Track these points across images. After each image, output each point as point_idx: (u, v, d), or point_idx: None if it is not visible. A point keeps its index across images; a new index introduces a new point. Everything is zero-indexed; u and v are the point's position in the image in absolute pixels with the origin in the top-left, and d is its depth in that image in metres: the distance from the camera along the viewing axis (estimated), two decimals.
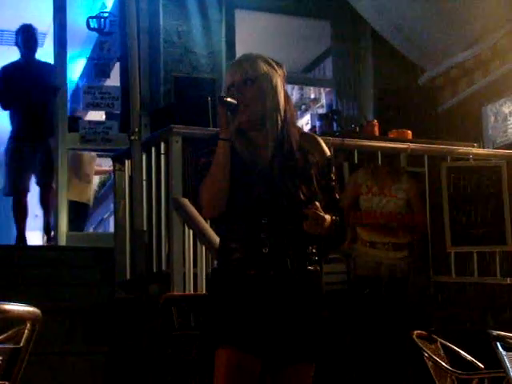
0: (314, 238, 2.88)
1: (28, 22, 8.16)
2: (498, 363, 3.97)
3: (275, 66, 2.97)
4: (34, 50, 8.12)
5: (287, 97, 3.01)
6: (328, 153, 3.01)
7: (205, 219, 4.45)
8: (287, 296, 2.86)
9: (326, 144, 3.07)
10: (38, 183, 7.98)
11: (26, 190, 7.87)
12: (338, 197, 3.00)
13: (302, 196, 2.86)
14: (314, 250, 2.93)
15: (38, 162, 7.82)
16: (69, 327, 5.54)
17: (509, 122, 7.85)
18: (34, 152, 7.81)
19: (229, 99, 2.86)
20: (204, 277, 4.74)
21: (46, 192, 7.97)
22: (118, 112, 8.15)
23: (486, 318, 5.73)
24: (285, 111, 2.95)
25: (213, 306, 2.95)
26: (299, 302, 2.88)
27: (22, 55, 8.13)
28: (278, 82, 2.94)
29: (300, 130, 3.08)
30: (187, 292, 4.95)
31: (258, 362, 2.85)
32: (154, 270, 5.49)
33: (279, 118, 2.91)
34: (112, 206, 8.47)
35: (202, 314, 3.21)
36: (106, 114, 8.94)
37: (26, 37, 8.06)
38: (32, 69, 8.02)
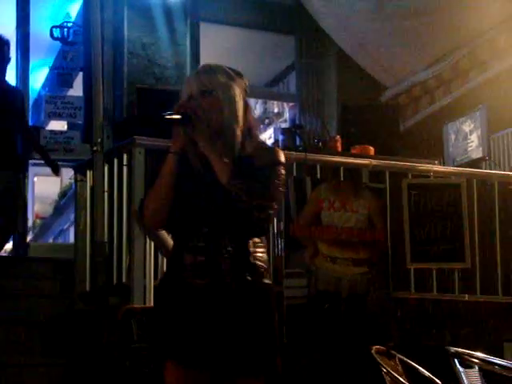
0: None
1: None
2: (455, 379, 4.01)
3: (234, 77, 2.95)
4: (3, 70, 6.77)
5: (247, 108, 2.97)
6: (278, 159, 2.92)
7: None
8: (225, 306, 2.82)
9: (288, 158, 3.07)
10: None
11: None
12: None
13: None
14: (257, 261, 2.89)
15: None
16: (26, 339, 5.47)
17: (469, 141, 7.94)
18: None
19: (169, 116, 2.82)
20: None
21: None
22: (81, 122, 8.11)
23: (444, 334, 5.77)
24: (244, 122, 2.93)
25: (156, 318, 2.95)
26: (238, 313, 2.83)
27: None
28: (237, 92, 2.91)
29: (260, 143, 3.03)
30: (147, 304, 4.93)
31: (204, 375, 2.83)
32: (114, 282, 5.46)
33: (237, 128, 2.89)
34: (72, 216, 8.41)
35: (150, 326, 3.19)
36: (68, 124, 8.89)
37: None
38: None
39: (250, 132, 2.96)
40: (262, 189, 2.78)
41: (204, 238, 2.83)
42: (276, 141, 9.19)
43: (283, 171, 2.89)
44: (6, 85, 6.83)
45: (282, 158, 2.91)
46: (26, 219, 7.98)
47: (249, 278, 2.84)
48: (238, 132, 2.89)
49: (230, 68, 2.99)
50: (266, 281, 2.91)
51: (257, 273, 2.88)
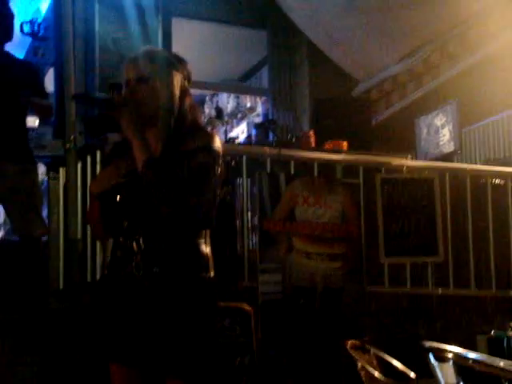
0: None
1: None
2: (429, 372, 4.04)
3: (176, 64, 2.87)
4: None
5: (186, 96, 2.88)
6: (208, 143, 2.77)
7: None
8: (137, 304, 2.72)
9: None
10: None
11: None
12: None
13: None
14: (185, 256, 2.75)
15: None
16: None
17: (441, 135, 8.00)
18: None
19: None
20: None
21: None
22: (52, 118, 8.04)
23: (418, 328, 5.81)
24: (181, 110, 2.84)
25: (94, 316, 2.89)
26: (152, 310, 2.71)
27: None
28: (175, 80, 2.84)
29: (195, 128, 2.88)
30: None
31: (135, 374, 2.75)
32: (88, 280, 5.43)
33: (171, 116, 2.81)
34: (45, 212, 8.34)
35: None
36: (40, 120, 8.82)
37: None
38: None
39: (186, 120, 2.85)
40: (172, 185, 2.65)
41: (123, 233, 2.78)
42: (249, 135, 9.19)
43: (205, 157, 2.74)
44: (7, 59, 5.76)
45: (215, 144, 2.78)
46: None
47: (155, 270, 2.70)
48: (172, 119, 2.81)
49: (173, 54, 2.93)
50: (204, 274, 2.76)
51: (176, 267, 2.74)
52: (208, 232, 2.84)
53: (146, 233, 2.74)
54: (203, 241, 2.80)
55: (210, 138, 2.79)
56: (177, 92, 2.83)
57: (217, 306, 2.82)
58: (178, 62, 2.87)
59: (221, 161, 2.80)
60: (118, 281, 2.76)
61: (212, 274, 2.80)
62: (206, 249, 2.81)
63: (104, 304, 2.80)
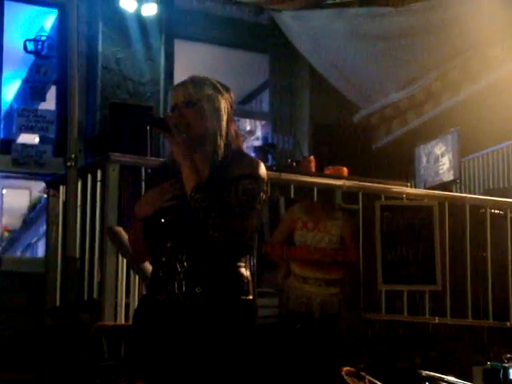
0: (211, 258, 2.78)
1: None
2: None
3: (221, 90, 2.91)
4: None
5: (231, 122, 2.93)
6: (255, 170, 2.82)
7: None
8: (181, 322, 2.75)
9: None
10: None
11: None
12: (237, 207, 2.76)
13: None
14: (230, 278, 2.79)
15: None
16: None
17: (440, 163, 8.01)
18: None
19: (152, 121, 2.87)
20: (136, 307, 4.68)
21: None
22: (53, 136, 8.06)
23: (414, 356, 5.78)
24: (226, 136, 2.88)
25: (130, 335, 2.94)
26: (194, 329, 2.74)
27: None
28: (222, 105, 2.88)
29: (240, 154, 2.93)
30: (118, 322, 4.89)
31: None
32: (85, 298, 5.42)
33: (219, 140, 2.85)
34: (41, 230, 8.33)
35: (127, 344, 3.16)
36: (40, 137, 8.83)
37: None
38: None
39: (231, 145, 2.89)
40: (220, 210, 2.70)
41: (167, 253, 2.80)
42: None
43: (252, 185, 2.79)
44: None
45: (261, 171, 2.83)
46: None
47: (197, 290, 2.74)
48: (220, 143, 2.85)
49: (217, 81, 2.96)
50: (244, 297, 2.80)
51: (219, 288, 2.78)
52: (248, 256, 2.89)
53: (189, 253, 2.77)
54: (244, 264, 2.85)
55: (256, 164, 2.84)
56: (224, 117, 2.88)
57: (255, 329, 2.86)
58: (223, 89, 2.92)
59: (266, 187, 2.85)
60: (159, 300, 2.79)
61: (251, 297, 2.84)
62: (247, 272, 2.85)
63: (143, 323, 2.83)
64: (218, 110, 2.87)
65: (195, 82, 2.89)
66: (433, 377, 4.06)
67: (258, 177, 2.81)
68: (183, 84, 2.91)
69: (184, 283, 2.76)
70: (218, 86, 2.92)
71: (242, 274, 2.83)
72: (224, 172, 2.81)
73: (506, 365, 5.23)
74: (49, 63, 8.41)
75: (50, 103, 8.55)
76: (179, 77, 9.05)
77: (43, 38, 8.43)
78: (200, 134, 2.83)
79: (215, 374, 2.74)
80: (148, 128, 2.92)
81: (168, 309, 2.78)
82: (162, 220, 2.81)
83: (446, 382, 4.07)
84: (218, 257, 2.78)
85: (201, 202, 2.70)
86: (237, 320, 2.79)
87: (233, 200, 2.73)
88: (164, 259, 2.80)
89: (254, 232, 2.84)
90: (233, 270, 2.82)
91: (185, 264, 2.77)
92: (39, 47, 8.30)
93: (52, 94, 8.70)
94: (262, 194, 2.81)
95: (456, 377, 4.12)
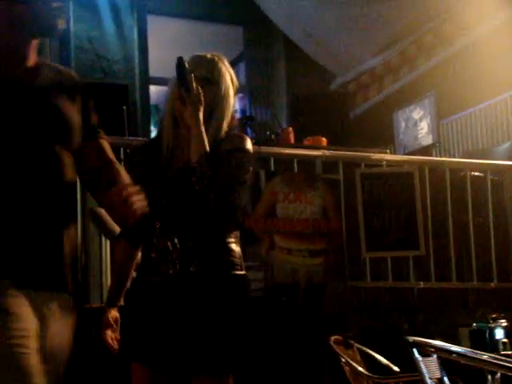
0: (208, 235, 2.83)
1: None
2: (413, 365, 4.05)
3: (234, 79, 3.02)
4: None
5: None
6: (242, 146, 2.91)
7: None
8: (178, 302, 2.79)
9: None
10: None
11: None
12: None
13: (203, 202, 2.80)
14: (223, 255, 2.84)
15: None
16: None
17: (419, 128, 8.01)
18: None
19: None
20: None
21: None
22: None
23: (401, 322, 5.82)
24: (228, 120, 2.98)
25: (123, 318, 2.97)
26: (193, 307, 2.79)
27: None
28: (231, 93, 2.99)
29: (233, 132, 3.06)
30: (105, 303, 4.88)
31: (165, 376, 2.82)
32: None
33: (224, 123, 2.93)
34: None
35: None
36: None
37: None
38: None
39: (233, 121, 3.07)
40: (224, 182, 2.79)
41: (157, 234, 2.83)
42: None
43: (246, 159, 2.88)
44: None
45: (246, 145, 2.91)
46: None
47: (192, 269, 2.78)
48: (224, 125, 2.93)
49: (232, 71, 3.06)
50: (235, 272, 2.85)
51: (214, 265, 2.83)
52: (238, 233, 2.93)
53: (181, 233, 2.80)
54: (234, 240, 2.89)
55: (244, 138, 2.95)
56: (231, 104, 2.98)
57: (250, 303, 2.92)
58: (235, 79, 3.04)
59: (252, 162, 2.94)
60: (153, 281, 2.82)
61: (244, 271, 2.90)
62: (238, 247, 2.90)
63: (138, 306, 2.86)
64: (229, 97, 2.96)
65: (218, 63, 2.97)
66: (420, 342, 4.06)
67: (247, 151, 2.90)
68: (209, 61, 2.97)
69: (178, 263, 2.79)
70: (233, 75, 3.03)
71: (233, 250, 2.88)
72: (218, 149, 2.87)
73: (492, 325, 5.28)
74: None
75: None
76: (153, 53, 9.00)
77: None
78: (209, 111, 2.89)
79: (214, 350, 2.78)
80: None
81: (164, 290, 2.81)
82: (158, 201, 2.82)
83: (432, 346, 4.08)
84: (210, 234, 2.83)
85: (207, 170, 2.75)
86: (232, 295, 2.84)
87: (226, 173, 2.80)
88: (155, 241, 2.83)
89: (244, 206, 2.97)
90: (225, 246, 2.86)
91: (177, 244, 2.80)
92: None
93: None
94: (250, 167, 2.90)
95: (443, 340, 4.13)
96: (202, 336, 2.77)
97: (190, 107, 2.83)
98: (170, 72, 3.03)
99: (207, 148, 2.80)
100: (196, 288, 2.79)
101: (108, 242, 4.92)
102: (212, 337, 2.78)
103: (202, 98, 2.85)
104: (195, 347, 2.77)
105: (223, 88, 2.93)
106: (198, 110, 2.83)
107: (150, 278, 2.84)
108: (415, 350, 4.00)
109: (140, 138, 5.90)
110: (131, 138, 5.69)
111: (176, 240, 2.80)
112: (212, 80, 2.92)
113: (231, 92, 2.97)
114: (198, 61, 2.95)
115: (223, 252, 2.85)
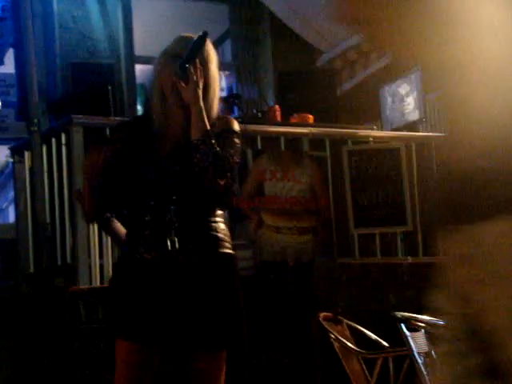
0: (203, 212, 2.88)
1: None
2: (401, 340, 4.08)
3: (217, 58, 3.05)
4: None
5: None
6: (233, 127, 2.97)
7: None
8: (174, 279, 2.82)
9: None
10: None
11: None
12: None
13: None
14: (213, 232, 2.89)
15: None
16: None
17: (405, 103, 8.00)
18: None
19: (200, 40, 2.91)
20: (110, 268, 4.69)
21: None
22: (15, 100, 7.94)
23: (389, 297, 5.84)
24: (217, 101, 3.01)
25: (110, 296, 2.97)
26: (189, 285, 2.83)
27: None
28: (218, 74, 3.02)
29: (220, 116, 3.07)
30: (94, 284, 4.89)
31: (155, 351, 2.82)
32: (59, 263, 5.40)
33: (215, 101, 2.95)
34: (10, 195, 8.26)
35: (105, 305, 3.19)
36: (1, 101, 8.70)
37: None
38: None
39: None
40: (226, 159, 2.83)
41: (151, 212, 2.84)
42: None
43: (237, 140, 2.94)
44: None
45: (236, 127, 2.97)
46: None
47: (191, 246, 2.82)
48: (215, 104, 2.95)
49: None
50: (226, 250, 2.90)
51: (210, 243, 2.87)
52: (224, 212, 2.99)
53: (178, 211, 2.84)
54: (223, 220, 2.95)
55: (233, 120, 3.02)
56: (219, 85, 3.03)
57: (240, 281, 2.97)
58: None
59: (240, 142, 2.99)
60: (146, 259, 2.83)
61: (231, 250, 2.95)
62: (226, 226, 2.97)
63: (127, 283, 2.87)
64: (218, 76, 3.00)
65: (210, 45, 2.99)
66: (408, 317, 4.10)
67: (238, 132, 2.97)
68: (202, 41, 2.96)
69: (177, 240, 2.81)
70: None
71: (223, 229, 2.94)
72: (213, 129, 2.89)
73: None
74: (4, 25, 8.24)
75: (9, 66, 8.41)
76: (138, 32, 8.93)
77: None
78: (202, 90, 2.91)
79: (209, 327, 2.83)
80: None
81: (159, 267, 2.82)
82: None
83: (421, 321, 4.11)
84: (204, 213, 2.88)
85: (212, 147, 2.78)
86: (222, 273, 2.88)
87: (227, 152, 2.86)
88: (148, 218, 2.83)
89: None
90: (216, 225, 2.91)
91: (175, 222, 2.82)
92: None
93: (10, 56, 8.55)
94: (241, 148, 2.97)
95: (430, 314, 4.16)
96: (196, 312, 2.81)
97: (192, 84, 2.84)
98: (156, 50, 3.03)
99: (208, 126, 2.83)
100: (193, 265, 2.82)
101: (95, 224, 4.91)
102: (205, 312, 2.82)
103: (203, 75, 2.88)
104: (190, 323, 2.81)
105: (213, 68, 2.95)
106: (199, 87, 2.85)
107: (142, 254, 2.83)
108: (403, 325, 4.04)
109: (126, 119, 5.89)
110: (117, 117, 5.67)
111: (174, 218, 2.82)
112: (201, 61, 2.91)
113: (218, 75, 2.99)
114: (186, 41, 2.96)
115: (215, 231, 2.89)
